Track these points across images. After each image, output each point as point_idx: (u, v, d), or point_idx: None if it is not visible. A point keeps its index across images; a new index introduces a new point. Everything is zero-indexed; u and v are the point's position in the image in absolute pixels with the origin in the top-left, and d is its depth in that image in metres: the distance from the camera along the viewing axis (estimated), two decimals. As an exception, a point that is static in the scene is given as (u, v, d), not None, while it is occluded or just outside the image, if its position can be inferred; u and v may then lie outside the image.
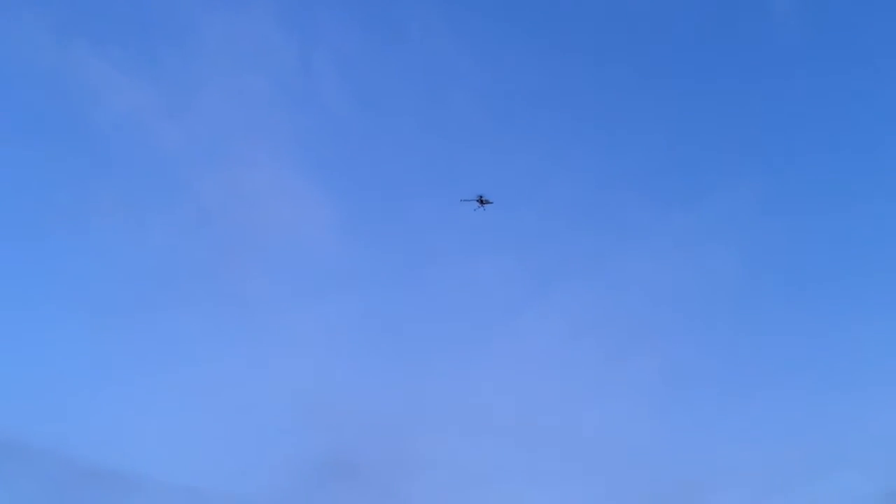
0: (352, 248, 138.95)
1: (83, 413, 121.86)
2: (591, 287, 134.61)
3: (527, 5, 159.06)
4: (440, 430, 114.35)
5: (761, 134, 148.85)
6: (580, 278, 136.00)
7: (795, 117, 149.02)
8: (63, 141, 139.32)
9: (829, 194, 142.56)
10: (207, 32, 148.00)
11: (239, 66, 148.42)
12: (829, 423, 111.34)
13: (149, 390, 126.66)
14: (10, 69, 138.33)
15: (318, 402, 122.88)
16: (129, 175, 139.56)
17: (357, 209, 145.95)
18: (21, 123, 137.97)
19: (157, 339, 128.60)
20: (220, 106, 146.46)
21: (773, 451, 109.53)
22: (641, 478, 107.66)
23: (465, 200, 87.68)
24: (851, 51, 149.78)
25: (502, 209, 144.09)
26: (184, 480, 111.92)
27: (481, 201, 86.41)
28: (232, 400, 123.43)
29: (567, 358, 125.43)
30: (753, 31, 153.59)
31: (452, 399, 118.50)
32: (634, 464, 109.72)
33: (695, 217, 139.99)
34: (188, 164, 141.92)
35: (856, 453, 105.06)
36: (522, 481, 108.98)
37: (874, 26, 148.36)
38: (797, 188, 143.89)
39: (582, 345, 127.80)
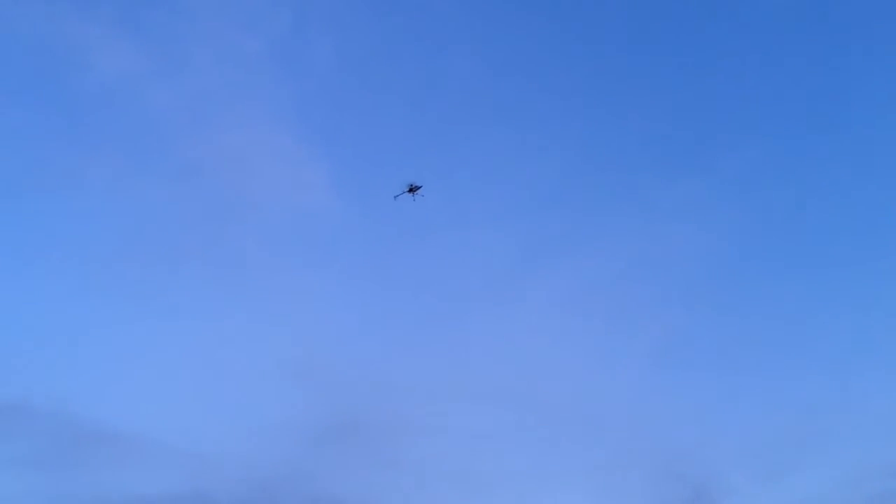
0: (347, 211, 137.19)
1: (84, 374, 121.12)
2: (590, 256, 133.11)
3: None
4: (440, 396, 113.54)
5: (762, 98, 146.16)
6: (578, 248, 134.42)
7: (797, 81, 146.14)
8: (52, 105, 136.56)
9: (835, 161, 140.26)
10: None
11: (230, 27, 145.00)
12: (834, 397, 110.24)
13: (148, 353, 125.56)
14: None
15: (316, 365, 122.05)
16: (119, 138, 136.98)
17: (351, 172, 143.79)
18: (8, 87, 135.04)
19: (155, 302, 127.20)
20: (211, 67, 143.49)
21: (774, 425, 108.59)
22: (640, 448, 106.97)
23: (397, 196, 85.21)
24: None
25: (500, 177, 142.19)
26: (184, 442, 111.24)
27: (412, 189, 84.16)
28: (231, 362, 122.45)
29: (566, 327, 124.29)
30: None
31: (453, 365, 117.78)
32: (633, 435, 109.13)
33: (694, 186, 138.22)
34: (179, 126, 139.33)
35: (861, 428, 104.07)
36: (522, 449, 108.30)
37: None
38: (799, 155, 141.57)
39: (581, 314, 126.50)
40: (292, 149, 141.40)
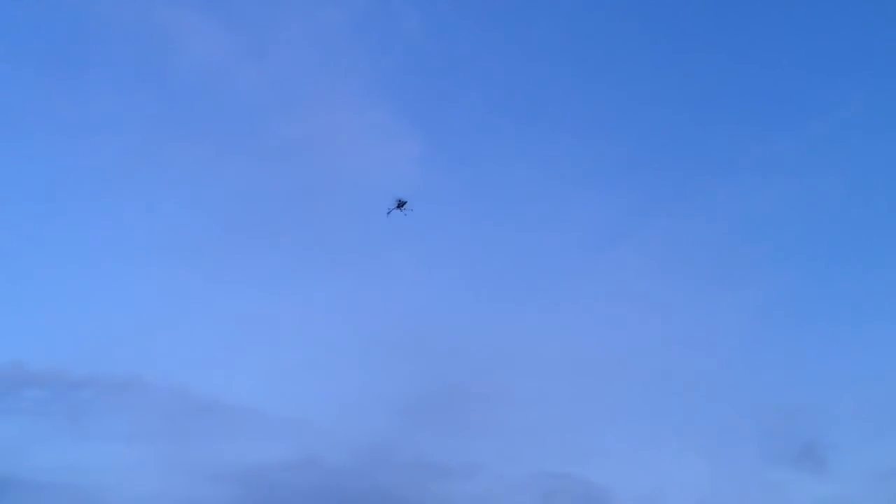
0: (439, 184, 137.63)
1: (195, 350, 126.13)
2: (688, 218, 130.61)
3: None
4: (538, 364, 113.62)
5: (864, 51, 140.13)
6: (676, 210, 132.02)
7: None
8: (147, 91, 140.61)
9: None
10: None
11: (316, 5, 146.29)
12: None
13: (254, 328, 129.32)
14: (89, 18, 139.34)
15: (416, 336, 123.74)
16: (213, 120, 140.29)
17: (442, 144, 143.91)
18: (105, 75, 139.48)
19: (257, 279, 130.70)
20: (299, 46, 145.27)
21: (885, 381, 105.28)
22: (750, 405, 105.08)
23: (389, 212, 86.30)
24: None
25: (593, 139, 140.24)
26: (292, 413, 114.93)
27: (400, 205, 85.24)
28: (333, 335, 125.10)
29: (663, 291, 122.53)
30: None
31: (551, 333, 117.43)
32: (742, 392, 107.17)
33: (795, 143, 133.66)
34: (270, 106, 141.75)
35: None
36: (626, 413, 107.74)
37: None
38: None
39: (678, 278, 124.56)
40: (382, 123, 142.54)
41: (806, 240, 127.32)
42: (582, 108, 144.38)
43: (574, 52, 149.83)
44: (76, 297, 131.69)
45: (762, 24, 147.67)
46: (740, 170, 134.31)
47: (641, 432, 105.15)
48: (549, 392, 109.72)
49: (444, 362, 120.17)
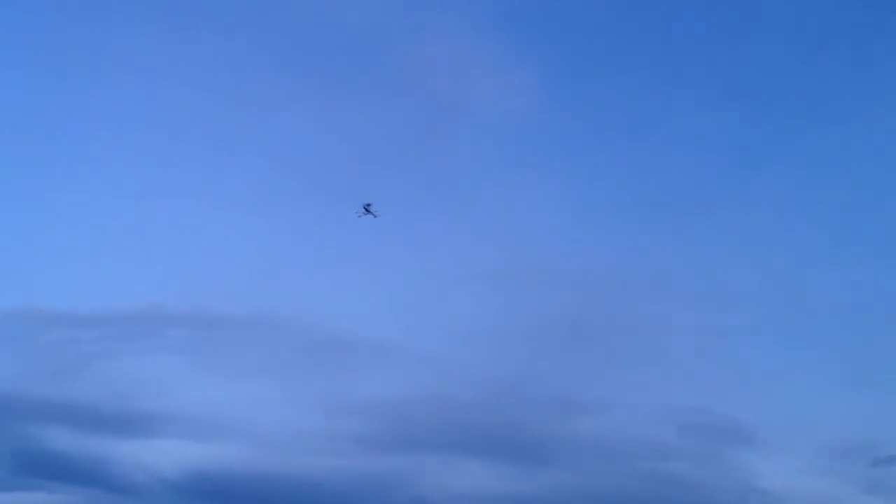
0: (558, 113, 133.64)
1: (323, 286, 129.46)
2: (835, 136, 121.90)
3: None
4: (667, 293, 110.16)
5: None
6: (819, 128, 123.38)
7: None
8: (262, 30, 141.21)
9: None
10: None
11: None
12: None
13: (383, 264, 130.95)
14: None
15: (544, 268, 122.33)
16: (329, 53, 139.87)
17: (560, 74, 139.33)
18: (218, 17, 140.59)
19: (385, 215, 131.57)
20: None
21: None
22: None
23: (360, 216, 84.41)
24: None
25: (718, 62, 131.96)
26: (421, 348, 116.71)
27: (367, 210, 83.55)
28: (461, 270, 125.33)
29: (803, 218, 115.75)
30: None
31: (680, 262, 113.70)
32: (883, 322, 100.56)
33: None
34: (389, 38, 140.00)
35: None
36: (760, 349, 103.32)
37: None
38: None
39: (818, 205, 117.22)
40: (501, 54, 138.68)
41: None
42: (700, 30, 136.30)
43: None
44: (211, 241, 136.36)
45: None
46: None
47: (785, 363, 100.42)
48: (685, 323, 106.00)
49: (576, 295, 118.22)
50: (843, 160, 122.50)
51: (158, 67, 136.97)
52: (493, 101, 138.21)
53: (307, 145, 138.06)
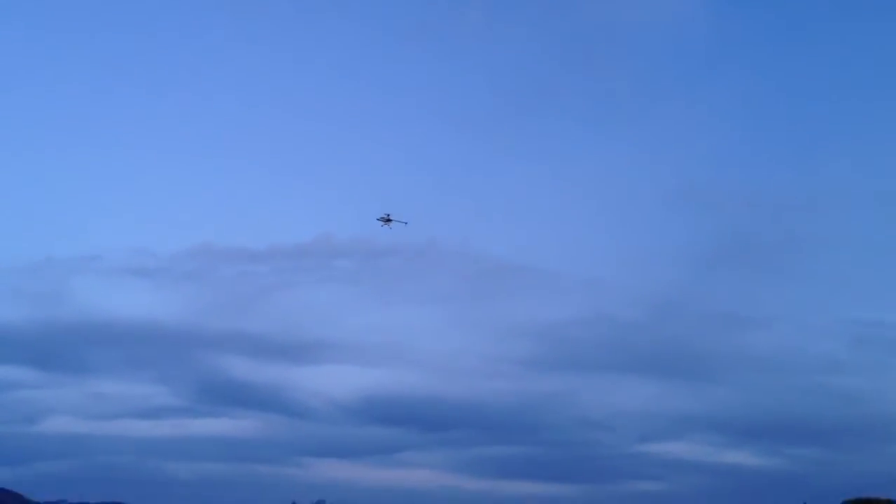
0: (720, 29, 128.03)
1: (484, 214, 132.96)
2: None
3: None
4: (838, 209, 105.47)
5: None
6: None
7: None
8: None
9: None
10: None
11: None
12: None
13: (541, 189, 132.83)
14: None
15: (704, 188, 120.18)
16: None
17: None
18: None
19: (539, 141, 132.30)
20: None
21: None
22: None
23: (382, 225, 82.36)
24: None
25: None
26: (583, 271, 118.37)
27: (387, 219, 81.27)
28: (620, 192, 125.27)
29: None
30: None
31: (851, 176, 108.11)
32: None
33: None
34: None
35: None
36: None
37: None
38: None
39: None
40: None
41: None
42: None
43: None
44: (375, 172, 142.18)
45: None
46: None
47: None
48: (856, 235, 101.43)
49: (736, 210, 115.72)
50: None
51: None
52: (655, 20, 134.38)
53: (467, 77, 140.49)
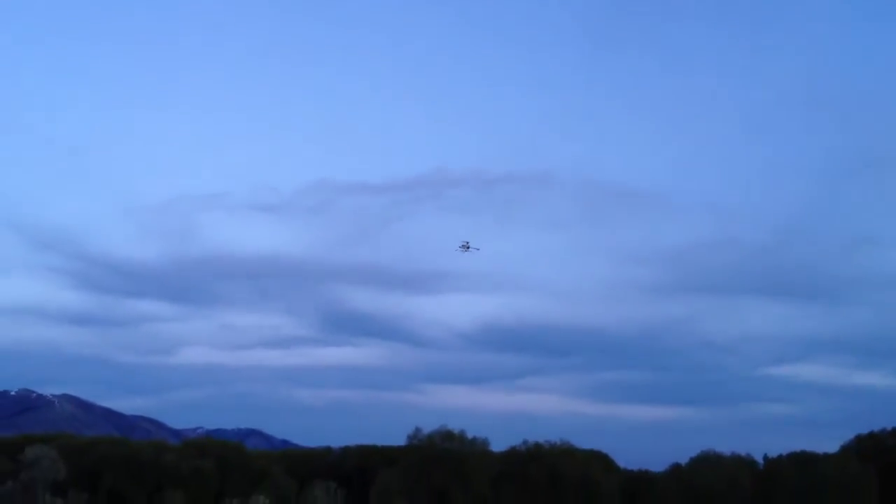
0: None
1: (602, 141, 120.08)
2: None
3: None
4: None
5: None
6: None
7: None
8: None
9: None
10: None
11: None
12: None
13: (657, 112, 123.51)
14: None
15: (835, 100, 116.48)
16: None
17: None
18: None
19: (660, 57, 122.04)
20: None
21: None
22: None
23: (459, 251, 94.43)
24: None
25: None
26: (705, 194, 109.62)
27: (466, 247, 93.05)
28: (740, 108, 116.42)
29: None
30: None
31: None
32: None
33: None
34: None
35: None
36: None
37: None
38: None
39: None
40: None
41: None
42: None
43: None
44: (489, 102, 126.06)
45: None
46: None
47: None
48: None
49: (869, 124, 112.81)
50: None
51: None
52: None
53: None
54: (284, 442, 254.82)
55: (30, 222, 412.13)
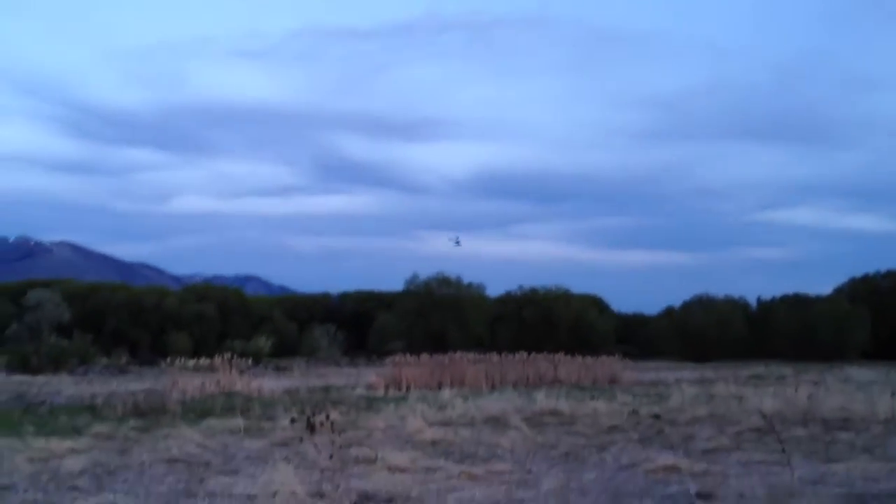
0: None
1: None
2: None
3: None
4: None
5: None
6: None
7: None
8: None
9: None
10: None
11: None
12: None
13: None
14: None
15: None
16: None
17: None
18: None
19: None
20: None
21: None
22: None
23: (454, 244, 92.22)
24: None
25: None
26: (700, 35, 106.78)
27: (457, 241, 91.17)
28: None
29: None
30: None
31: None
32: None
33: None
34: None
35: None
36: None
37: None
38: None
39: None
40: None
41: None
42: None
43: None
44: None
45: None
46: None
47: None
48: None
49: None
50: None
51: None
52: None
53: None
54: (282, 288, 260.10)
55: (10, 66, 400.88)
